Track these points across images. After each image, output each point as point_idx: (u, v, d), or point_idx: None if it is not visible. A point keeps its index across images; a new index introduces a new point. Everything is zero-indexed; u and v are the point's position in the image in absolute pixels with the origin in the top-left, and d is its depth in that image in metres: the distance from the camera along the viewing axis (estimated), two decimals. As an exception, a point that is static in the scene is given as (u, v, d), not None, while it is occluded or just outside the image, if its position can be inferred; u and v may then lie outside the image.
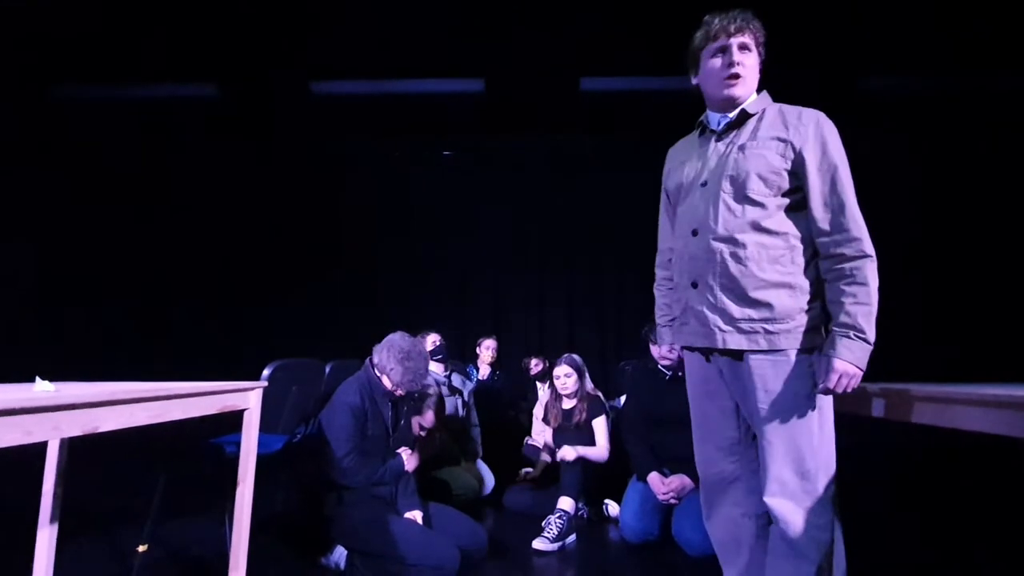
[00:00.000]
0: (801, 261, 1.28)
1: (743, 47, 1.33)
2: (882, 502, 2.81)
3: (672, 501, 2.34)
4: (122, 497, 2.71)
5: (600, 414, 2.84)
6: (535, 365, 4.01)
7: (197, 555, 2.17)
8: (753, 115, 1.35)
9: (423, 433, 2.68)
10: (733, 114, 1.36)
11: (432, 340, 3.23)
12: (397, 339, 2.17)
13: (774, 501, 1.24)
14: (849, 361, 1.18)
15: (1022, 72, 3.89)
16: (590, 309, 5.01)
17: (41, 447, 1.61)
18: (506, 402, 3.90)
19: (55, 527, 1.65)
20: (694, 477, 2.31)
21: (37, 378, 1.16)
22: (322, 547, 2.07)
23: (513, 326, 4.95)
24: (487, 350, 3.98)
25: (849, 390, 1.20)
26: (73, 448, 1.69)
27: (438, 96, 4.44)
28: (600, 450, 2.76)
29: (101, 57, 3.99)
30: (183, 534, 2.34)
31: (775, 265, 1.27)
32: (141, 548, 1.93)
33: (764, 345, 1.26)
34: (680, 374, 2.45)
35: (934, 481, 3.32)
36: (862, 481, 2.04)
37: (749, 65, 1.34)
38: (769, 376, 1.26)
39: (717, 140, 1.39)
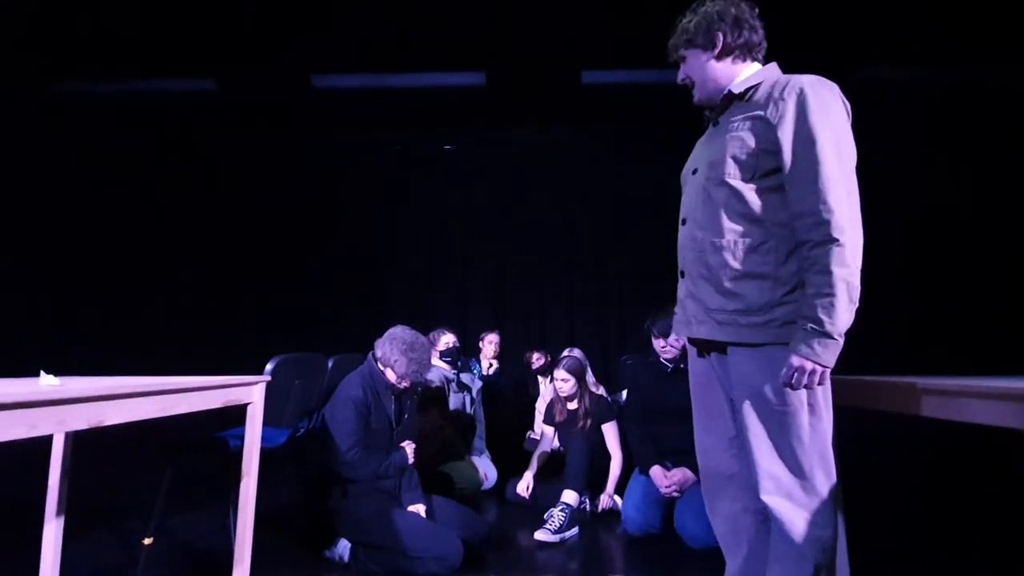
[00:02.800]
0: (783, 250, 1.20)
1: (680, 61, 1.38)
2: (888, 498, 2.81)
3: (674, 494, 2.35)
4: (127, 491, 2.72)
5: (608, 419, 2.82)
6: (536, 359, 4.02)
7: (202, 548, 2.18)
8: (740, 95, 1.31)
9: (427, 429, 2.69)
10: (719, 98, 1.35)
11: (446, 341, 3.25)
12: (399, 332, 2.17)
13: (770, 499, 1.22)
14: (805, 356, 1.11)
15: (1020, 62, 3.86)
16: (592, 303, 5.01)
17: (47, 441, 1.62)
18: (509, 396, 3.91)
19: (61, 520, 1.66)
20: (695, 470, 2.31)
21: (42, 372, 1.16)
22: (326, 540, 2.08)
23: (515, 319, 4.95)
24: (490, 344, 3.99)
25: (812, 387, 1.14)
26: (78, 442, 1.69)
27: (439, 90, 4.42)
28: (616, 464, 2.77)
29: (100, 52, 3.97)
30: (188, 527, 2.36)
31: (752, 255, 1.22)
32: (147, 541, 1.94)
33: (735, 337, 1.23)
34: (682, 367, 2.46)
35: (941, 476, 3.32)
36: (866, 477, 2.03)
37: (695, 68, 1.36)
38: (752, 371, 1.23)
39: (714, 126, 1.38)
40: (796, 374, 1.13)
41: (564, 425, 2.89)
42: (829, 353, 1.11)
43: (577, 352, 3.43)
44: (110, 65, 4.14)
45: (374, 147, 5.08)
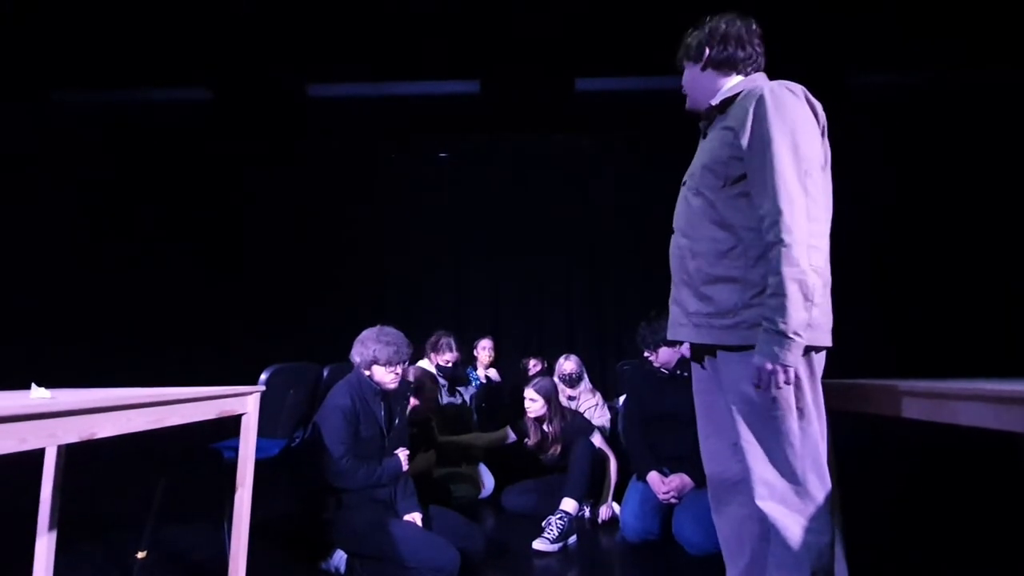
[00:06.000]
0: (752, 254, 1.23)
1: (682, 71, 1.47)
2: (885, 503, 2.81)
3: (672, 501, 2.34)
4: (120, 503, 2.70)
5: (588, 434, 2.76)
6: (533, 365, 4.00)
7: (196, 561, 2.16)
8: (719, 107, 1.35)
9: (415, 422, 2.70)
10: (704, 109, 1.41)
11: (447, 359, 3.39)
12: (364, 332, 2.20)
13: (765, 504, 1.22)
14: (764, 356, 1.13)
15: (1009, 68, 3.91)
16: (588, 308, 5.01)
17: (38, 454, 1.61)
18: (505, 403, 3.90)
19: (53, 534, 1.64)
20: (693, 476, 2.32)
21: (33, 385, 1.15)
22: (322, 551, 2.06)
23: (512, 326, 4.95)
24: (484, 351, 3.96)
25: (778, 387, 1.14)
26: (71, 455, 1.68)
27: (434, 98, 4.44)
28: (612, 468, 2.77)
29: (94, 62, 3.98)
30: (182, 540, 2.33)
31: (723, 260, 1.26)
32: (140, 554, 1.93)
33: (710, 339, 1.27)
34: (678, 372, 2.46)
35: (937, 479, 3.32)
36: (863, 481, 2.04)
37: (687, 79, 1.44)
38: (738, 375, 1.24)
39: (703, 138, 1.44)
40: (760, 375, 1.15)
41: (537, 449, 2.84)
42: (787, 352, 1.12)
43: (574, 358, 3.42)
44: (105, 75, 4.15)
45: (369, 155, 5.08)
